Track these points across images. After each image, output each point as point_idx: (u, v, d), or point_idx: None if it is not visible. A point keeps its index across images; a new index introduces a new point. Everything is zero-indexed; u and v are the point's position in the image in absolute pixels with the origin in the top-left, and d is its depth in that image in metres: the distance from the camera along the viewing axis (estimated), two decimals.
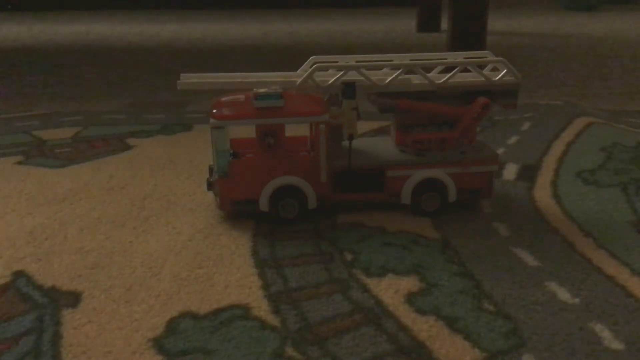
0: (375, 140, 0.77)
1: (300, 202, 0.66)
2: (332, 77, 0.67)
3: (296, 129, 0.70)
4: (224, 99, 0.67)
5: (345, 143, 0.68)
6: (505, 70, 0.68)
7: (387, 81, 0.67)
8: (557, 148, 0.92)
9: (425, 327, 0.48)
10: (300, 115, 0.65)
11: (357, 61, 0.69)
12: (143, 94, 1.44)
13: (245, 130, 0.68)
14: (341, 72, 0.66)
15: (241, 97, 0.67)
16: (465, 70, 0.69)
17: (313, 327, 0.48)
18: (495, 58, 0.69)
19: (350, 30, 2.91)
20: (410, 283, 0.54)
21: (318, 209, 0.68)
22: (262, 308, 0.51)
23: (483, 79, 0.68)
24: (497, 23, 3.00)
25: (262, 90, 0.64)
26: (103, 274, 0.57)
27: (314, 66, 0.66)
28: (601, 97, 1.34)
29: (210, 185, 0.69)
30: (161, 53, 2.19)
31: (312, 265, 0.58)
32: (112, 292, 0.54)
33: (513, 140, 0.97)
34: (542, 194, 0.75)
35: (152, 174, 0.84)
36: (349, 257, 0.59)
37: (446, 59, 0.70)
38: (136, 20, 3.67)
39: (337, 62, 0.69)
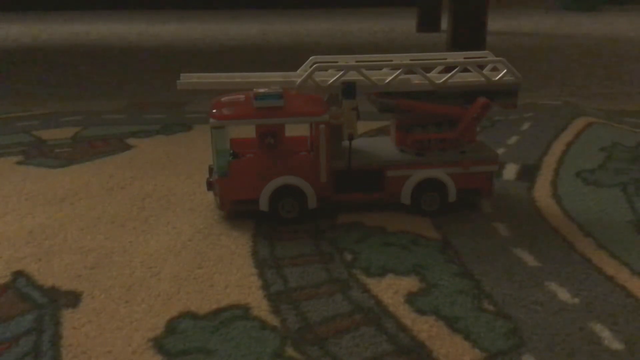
0: (375, 140, 0.77)
1: (300, 202, 0.66)
2: (332, 77, 0.67)
3: (296, 129, 0.71)
4: (224, 99, 0.67)
5: (345, 143, 0.68)
6: (505, 70, 0.68)
7: (387, 81, 0.67)
8: (557, 148, 0.92)
9: (425, 327, 0.48)
10: (300, 115, 0.65)
11: (357, 61, 0.69)
12: (143, 94, 1.44)
13: (245, 130, 0.68)
14: (341, 72, 0.66)
15: (241, 97, 0.67)
16: (465, 70, 0.69)
17: (313, 327, 0.48)
18: (495, 58, 0.69)
19: (350, 30, 2.91)
20: (410, 283, 0.54)
21: (318, 209, 0.68)
22: (262, 308, 0.51)
23: (483, 79, 0.68)
24: (497, 23, 3.00)
25: (262, 90, 0.64)
26: (103, 274, 0.57)
27: (314, 66, 0.66)
28: (601, 97, 1.34)
29: (210, 185, 0.69)
30: (161, 53, 2.19)
31: (312, 265, 0.58)
32: (112, 292, 0.54)
33: (513, 140, 0.97)
34: (542, 194, 0.74)
35: (152, 174, 0.84)
36: (349, 257, 0.59)
37: (446, 59, 0.70)
38: (136, 20, 3.67)
39: (337, 62, 0.69)
